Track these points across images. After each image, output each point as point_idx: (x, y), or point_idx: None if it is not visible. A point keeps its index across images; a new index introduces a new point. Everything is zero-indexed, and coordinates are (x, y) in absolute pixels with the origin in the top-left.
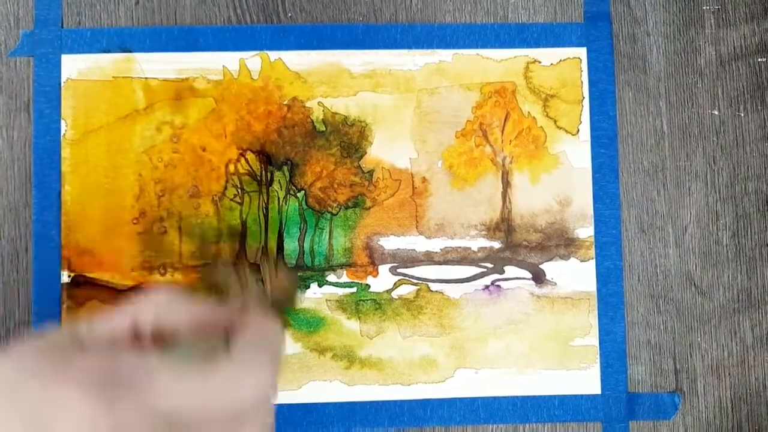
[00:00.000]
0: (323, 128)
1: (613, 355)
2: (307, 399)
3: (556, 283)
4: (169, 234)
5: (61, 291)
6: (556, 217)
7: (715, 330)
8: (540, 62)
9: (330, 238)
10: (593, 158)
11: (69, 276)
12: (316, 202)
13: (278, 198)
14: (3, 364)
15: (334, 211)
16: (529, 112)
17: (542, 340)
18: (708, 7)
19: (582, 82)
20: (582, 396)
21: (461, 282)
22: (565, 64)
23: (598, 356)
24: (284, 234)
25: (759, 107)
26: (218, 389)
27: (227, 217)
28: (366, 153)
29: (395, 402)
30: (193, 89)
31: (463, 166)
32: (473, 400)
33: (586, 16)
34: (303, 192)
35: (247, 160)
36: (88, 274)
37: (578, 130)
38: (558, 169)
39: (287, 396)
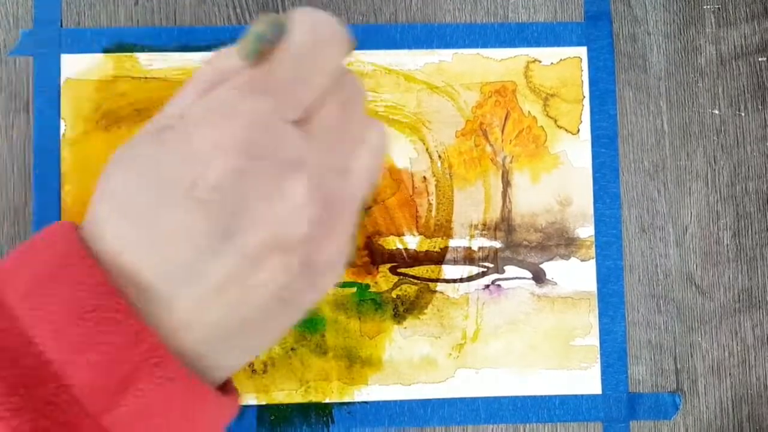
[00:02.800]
0: None
1: (613, 355)
2: (307, 399)
3: (556, 283)
4: None
5: None
6: (557, 217)
7: (716, 330)
8: (540, 62)
9: None
10: (594, 158)
11: None
12: None
13: None
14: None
15: None
16: (529, 112)
17: (542, 339)
18: (708, 7)
19: (582, 81)
20: (582, 396)
21: (461, 282)
22: (566, 64)
23: (599, 356)
24: None
25: (760, 106)
26: (303, 64)
27: None
28: None
29: (395, 402)
30: None
31: (463, 166)
32: (474, 400)
33: (587, 15)
34: None
35: None
36: None
37: (579, 130)
38: (558, 168)
39: (287, 396)
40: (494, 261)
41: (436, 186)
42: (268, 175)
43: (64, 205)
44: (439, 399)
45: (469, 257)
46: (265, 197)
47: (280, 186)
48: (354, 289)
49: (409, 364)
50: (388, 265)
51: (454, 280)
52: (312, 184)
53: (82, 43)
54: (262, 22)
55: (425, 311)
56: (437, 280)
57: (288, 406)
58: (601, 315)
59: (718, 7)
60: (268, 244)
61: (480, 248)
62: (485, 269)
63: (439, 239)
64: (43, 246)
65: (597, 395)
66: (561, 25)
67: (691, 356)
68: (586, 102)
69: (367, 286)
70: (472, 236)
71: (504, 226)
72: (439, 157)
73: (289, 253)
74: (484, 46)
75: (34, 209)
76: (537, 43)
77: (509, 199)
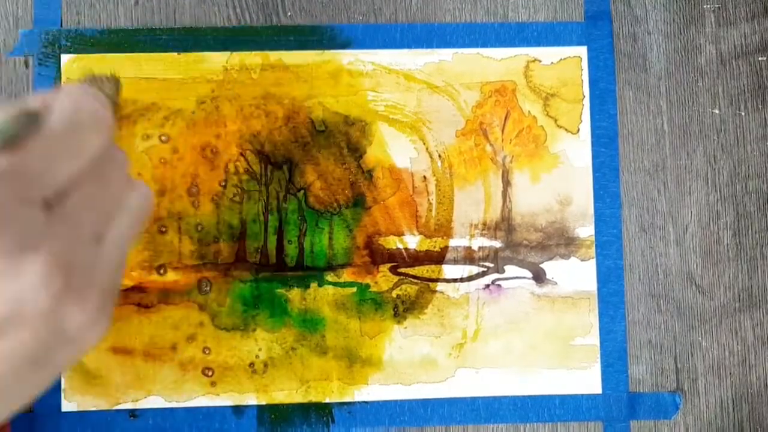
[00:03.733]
0: (323, 128)
1: (613, 355)
2: (307, 399)
3: (556, 283)
4: (169, 233)
5: None
6: (557, 217)
7: (716, 329)
8: (540, 61)
9: (330, 237)
10: (594, 157)
11: None
12: (317, 202)
13: (278, 197)
14: None
15: (334, 211)
16: (529, 111)
17: (543, 339)
18: (708, 6)
19: (582, 81)
20: (583, 395)
21: (462, 281)
22: (566, 63)
23: (599, 356)
24: (284, 233)
25: (759, 106)
26: (57, 148)
27: (227, 217)
28: (366, 152)
29: (396, 402)
30: (193, 89)
31: (464, 165)
32: (474, 399)
33: (587, 14)
34: (303, 191)
35: (247, 160)
36: None
37: (579, 129)
38: (558, 168)
39: (287, 396)
40: (494, 261)
41: (437, 185)
42: (4, 257)
43: None
44: (439, 399)
45: (469, 257)
46: (0, 277)
47: (16, 266)
48: (354, 289)
49: (410, 363)
50: (389, 265)
51: (455, 280)
52: (53, 260)
53: (82, 43)
54: (9, 117)
55: (425, 311)
56: (437, 280)
57: (288, 405)
58: (601, 314)
59: (718, 7)
60: (8, 319)
61: (480, 248)
62: (485, 269)
63: (440, 239)
64: None
65: (597, 395)
66: (561, 25)
67: (692, 355)
68: (586, 101)
69: (368, 285)
70: (472, 236)
71: (504, 225)
72: (440, 156)
73: (34, 324)
74: (484, 45)
75: None
76: (537, 43)
77: (509, 198)
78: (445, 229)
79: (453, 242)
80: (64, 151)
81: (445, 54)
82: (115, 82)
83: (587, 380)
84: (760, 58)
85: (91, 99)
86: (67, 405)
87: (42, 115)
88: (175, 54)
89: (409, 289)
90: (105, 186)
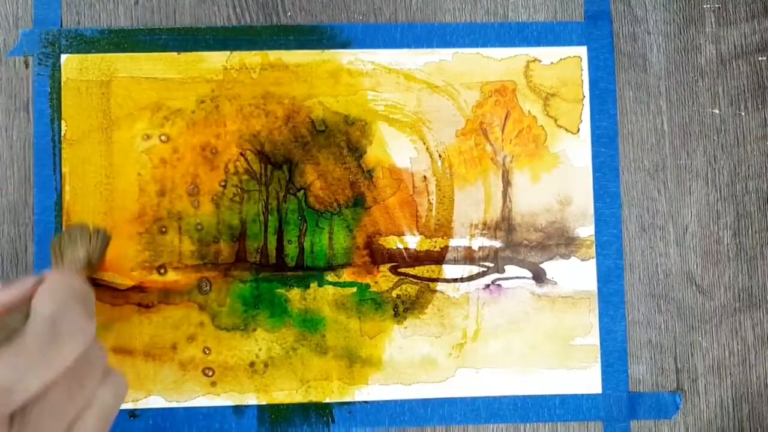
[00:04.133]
0: (323, 127)
1: (614, 355)
2: (307, 399)
3: (556, 283)
4: (169, 234)
5: None
6: (557, 216)
7: (716, 329)
8: (540, 61)
9: (330, 237)
10: (594, 157)
11: None
12: (317, 202)
13: (278, 197)
14: None
15: (334, 211)
16: (529, 111)
17: (543, 339)
18: (708, 6)
19: (582, 80)
20: (583, 395)
21: (462, 281)
22: (566, 63)
23: (599, 355)
24: (284, 233)
25: (760, 106)
26: (29, 362)
27: (227, 217)
28: (366, 152)
29: (396, 402)
30: (193, 89)
31: (464, 165)
32: (474, 399)
33: (587, 14)
34: (303, 191)
35: (246, 160)
36: None
37: (579, 129)
38: (558, 168)
39: (287, 396)
40: (494, 260)
41: (437, 185)
42: None
43: (64, 206)
44: (439, 399)
45: (469, 257)
46: None
47: None
48: (354, 289)
49: (410, 363)
50: (389, 265)
51: (455, 280)
52: None
53: (82, 43)
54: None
55: (425, 311)
56: (437, 280)
57: (288, 405)
58: (602, 314)
59: (718, 7)
60: None
61: (480, 248)
62: (485, 269)
63: (440, 239)
64: None
65: (597, 395)
66: (561, 25)
67: (692, 355)
68: (586, 101)
69: (368, 285)
70: (472, 236)
71: (504, 225)
72: (440, 156)
73: None
74: (484, 45)
75: (35, 209)
76: (537, 43)
77: (509, 198)
78: (445, 229)
79: (453, 242)
80: (39, 363)
81: (445, 54)
82: (103, 237)
83: (587, 380)
84: (760, 58)
85: (73, 306)
86: None
87: (28, 313)
88: (175, 54)
89: (409, 289)
90: (76, 390)
